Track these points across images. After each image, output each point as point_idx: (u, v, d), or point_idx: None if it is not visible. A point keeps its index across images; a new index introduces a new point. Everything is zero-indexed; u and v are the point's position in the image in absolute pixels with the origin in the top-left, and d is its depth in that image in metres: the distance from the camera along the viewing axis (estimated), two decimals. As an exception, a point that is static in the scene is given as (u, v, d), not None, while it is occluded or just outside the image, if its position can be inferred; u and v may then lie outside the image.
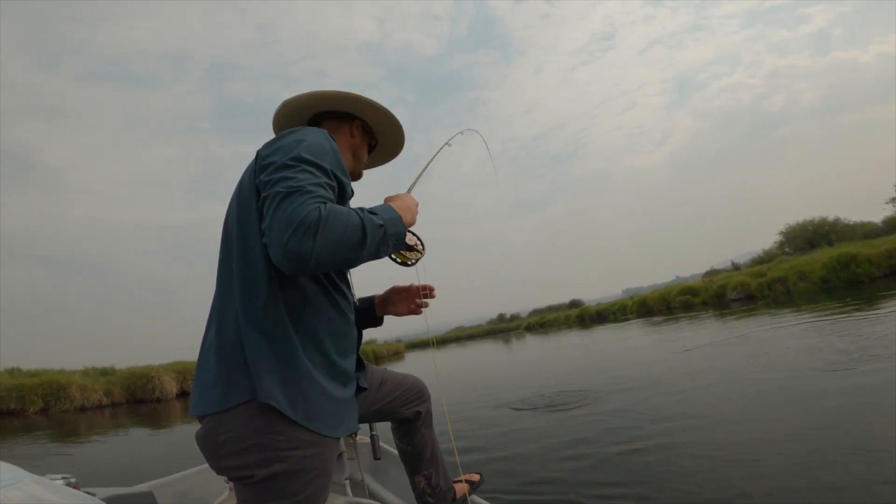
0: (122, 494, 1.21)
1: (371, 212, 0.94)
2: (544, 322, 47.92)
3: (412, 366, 19.24)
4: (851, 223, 29.76)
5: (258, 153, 1.00)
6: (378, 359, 28.41)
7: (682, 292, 24.94)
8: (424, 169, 1.47)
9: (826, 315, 8.57)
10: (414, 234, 1.22)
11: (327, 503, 0.90)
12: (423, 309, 1.36)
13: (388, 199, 1.16)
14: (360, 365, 1.18)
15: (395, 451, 1.71)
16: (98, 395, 12.55)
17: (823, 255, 18.34)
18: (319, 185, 0.88)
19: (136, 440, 7.14)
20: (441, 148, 1.56)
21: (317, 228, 0.79)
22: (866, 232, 25.81)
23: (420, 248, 1.22)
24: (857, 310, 8.48)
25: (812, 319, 8.30)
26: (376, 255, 0.94)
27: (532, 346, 17.34)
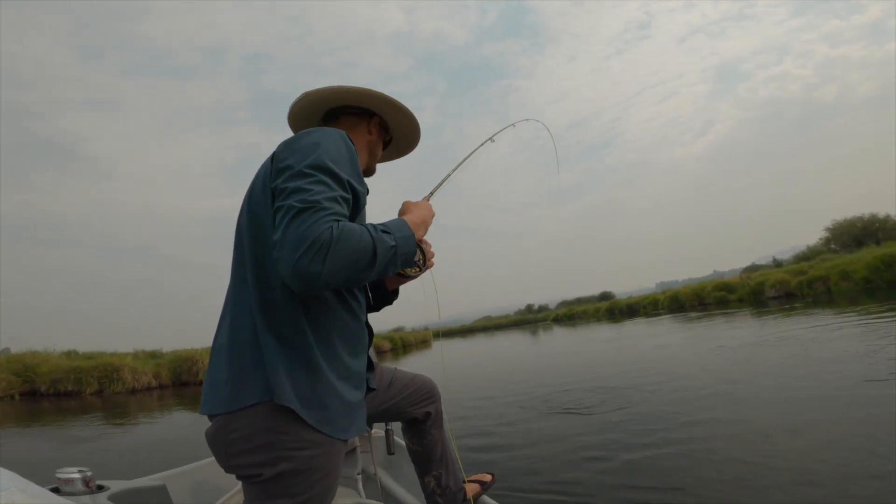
0: (135, 488, 1.21)
1: (384, 230, 0.92)
2: (573, 314, 47.56)
3: (438, 354, 19.52)
4: None
5: (274, 154, 0.98)
6: (406, 346, 28.82)
7: (718, 288, 24.31)
8: (457, 167, 1.39)
9: (869, 317, 8.29)
10: (420, 249, 1.15)
11: (338, 499, 0.93)
12: (432, 302, 1.32)
13: (405, 206, 1.14)
14: (369, 365, 1.16)
15: None
16: (147, 378, 13.24)
17: (868, 254, 17.55)
18: (334, 199, 0.86)
19: (180, 422, 7.63)
20: (483, 143, 1.46)
21: (328, 250, 0.79)
22: None
23: (421, 263, 1.16)
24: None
25: (854, 321, 8.04)
26: (384, 274, 0.93)
27: (559, 339, 17.31)
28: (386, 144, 1.32)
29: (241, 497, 1.12)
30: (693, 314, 18.15)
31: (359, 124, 1.22)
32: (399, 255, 0.93)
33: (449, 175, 1.36)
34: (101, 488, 1.11)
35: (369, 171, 1.28)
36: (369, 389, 1.13)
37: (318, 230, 0.79)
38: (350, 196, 0.92)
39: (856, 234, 30.22)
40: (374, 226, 0.91)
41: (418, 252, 1.12)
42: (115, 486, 1.15)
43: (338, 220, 0.82)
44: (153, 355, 15.41)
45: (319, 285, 0.80)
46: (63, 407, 10.02)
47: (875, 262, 16.20)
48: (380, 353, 25.88)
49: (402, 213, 1.14)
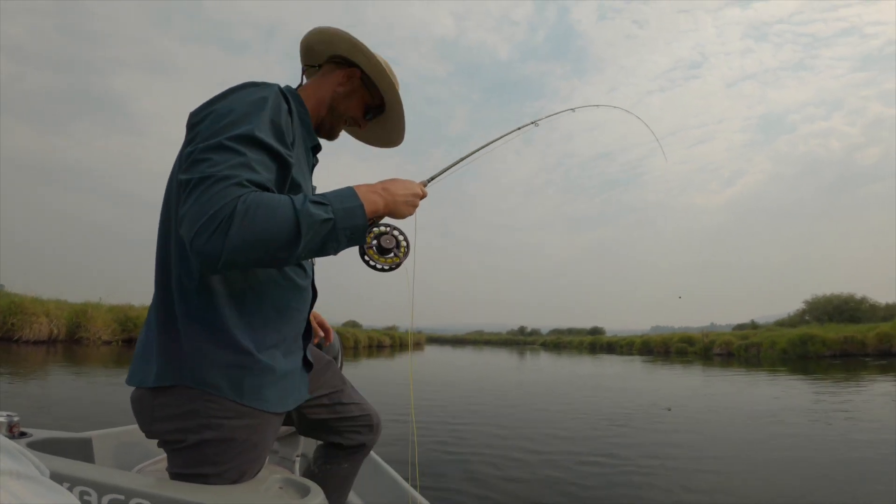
0: (59, 438, 1.19)
1: (319, 201, 0.79)
2: (560, 343, 50.74)
3: (432, 356, 22.39)
4: (877, 304, 30.61)
5: (189, 115, 0.87)
6: (403, 346, 31.61)
7: (682, 340, 27.62)
8: (482, 148, 1.25)
9: (762, 377, 11.67)
10: (397, 233, 0.99)
11: (270, 474, 0.93)
12: (414, 304, 1.13)
13: (384, 182, 0.95)
14: (307, 335, 1.06)
15: None
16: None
17: (791, 331, 21.05)
18: (244, 165, 0.76)
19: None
20: (524, 126, 1.33)
21: (229, 225, 0.69)
22: (890, 314, 25.73)
23: (399, 251, 0.98)
24: (779, 374, 11.54)
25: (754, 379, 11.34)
26: (322, 252, 0.83)
27: (542, 365, 20.29)
28: (373, 111, 1.13)
29: (165, 464, 1.01)
30: (655, 358, 21.28)
31: (332, 73, 1.08)
32: (341, 230, 0.81)
33: (471, 154, 1.21)
34: (23, 434, 1.10)
35: (325, 130, 1.10)
36: (308, 364, 1.05)
37: (219, 203, 0.70)
38: (272, 160, 0.82)
39: (830, 311, 32.05)
40: (304, 196, 0.78)
41: (392, 238, 0.97)
42: (39, 434, 1.14)
43: (245, 192, 0.73)
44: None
45: (221, 266, 0.71)
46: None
47: (794, 338, 19.59)
48: (380, 347, 28.98)
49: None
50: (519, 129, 1.34)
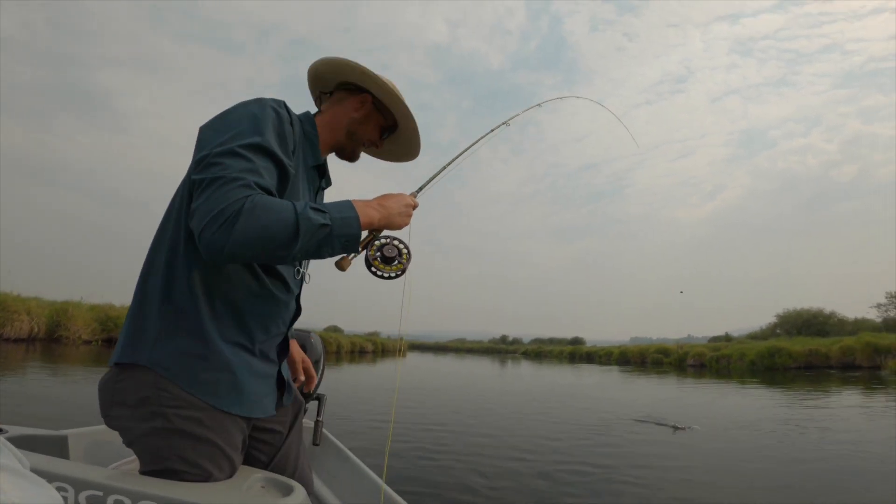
0: (34, 435, 1.19)
1: (318, 209, 0.87)
2: (540, 352, 51.26)
3: (414, 363, 22.44)
4: (845, 319, 31.80)
5: (200, 128, 0.95)
6: (385, 352, 31.62)
7: (658, 351, 28.40)
8: (462, 154, 1.31)
9: (729, 387, 12.24)
10: (397, 242, 1.05)
11: (249, 474, 0.92)
12: (404, 312, 1.12)
13: (378, 198, 1.05)
14: (284, 349, 1.09)
15: (338, 442, 1.68)
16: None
17: (760, 344, 22.02)
18: (252, 170, 0.84)
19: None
20: (497, 127, 1.38)
21: (235, 221, 0.77)
22: (857, 328, 26.96)
23: (402, 258, 1.05)
24: (747, 386, 12.07)
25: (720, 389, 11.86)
26: (318, 255, 0.91)
27: (523, 374, 20.59)
28: (385, 131, 1.21)
29: (139, 464, 0.98)
30: (630, 368, 22.02)
31: (346, 100, 1.15)
32: (336, 237, 0.89)
33: (452, 161, 1.27)
34: None
35: (347, 153, 1.18)
36: (281, 379, 1.08)
37: (227, 200, 0.79)
38: (275, 167, 0.91)
39: (799, 325, 32.97)
40: (305, 203, 0.87)
41: (393, 248, 1.04)
42: (14, 430, 1.14)
43: (252, 193, 0.81)
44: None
45: (224, 257, 0.80)
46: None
47: (762, 351, 20.50)
48: (362, 353, 29.01)
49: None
50: (492, 130, 1.42)
